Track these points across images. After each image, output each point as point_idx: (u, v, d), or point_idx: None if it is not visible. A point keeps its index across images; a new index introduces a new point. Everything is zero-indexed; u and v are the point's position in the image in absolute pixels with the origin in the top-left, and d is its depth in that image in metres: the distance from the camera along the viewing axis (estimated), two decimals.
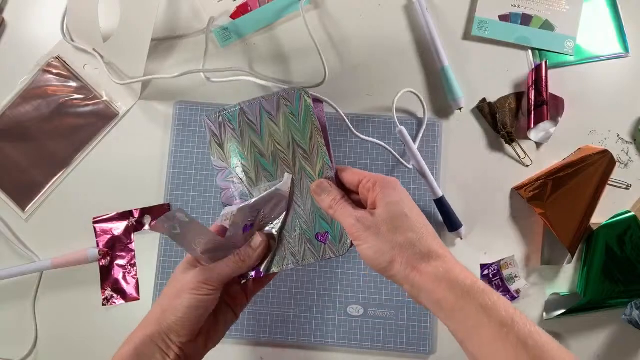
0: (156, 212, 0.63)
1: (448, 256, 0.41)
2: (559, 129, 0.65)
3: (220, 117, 0.49)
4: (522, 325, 0.37)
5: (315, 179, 0.47)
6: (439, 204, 0.62)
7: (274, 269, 0.47)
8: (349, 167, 0.47)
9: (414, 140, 0.63)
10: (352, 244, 0.44)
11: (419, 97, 0.64)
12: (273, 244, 0.48)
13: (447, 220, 0.62)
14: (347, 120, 0.59)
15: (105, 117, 0.66)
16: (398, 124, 0.62)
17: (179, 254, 0.62)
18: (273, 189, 0.47)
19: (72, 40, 0.67)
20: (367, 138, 0.61)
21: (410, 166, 0.63)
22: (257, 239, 0.46)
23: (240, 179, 0.49)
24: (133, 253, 0.63)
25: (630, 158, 0.65)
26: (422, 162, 0.62)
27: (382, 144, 0.62)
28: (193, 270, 0.45)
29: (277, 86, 0.66)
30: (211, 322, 0.46)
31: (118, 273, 0.63)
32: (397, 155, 0.62)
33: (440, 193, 0.62)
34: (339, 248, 0.46)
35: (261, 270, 0.47)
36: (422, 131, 0.64)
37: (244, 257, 0.45)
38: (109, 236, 0.63)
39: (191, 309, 0.43)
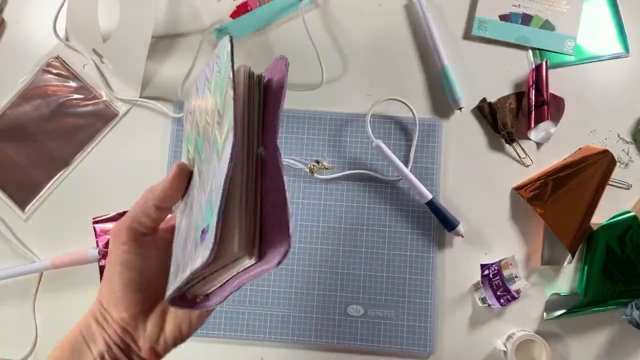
0: None
1: None
2: (560, 129, 0.64)
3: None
4: None
5: (220, 151, 0.32)
6: (430, 206, 0.62)
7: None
8: None
9: (411, 143, 0.64)
10: (213, 247, 0.29)
11: (404, 103, 0.64)
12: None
13: (443, 221, 0.62)
14: None
15: (105, 117, 0.66)
16: (373, 137, 0.62)
17: None
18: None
19: (67, 41, 0.67)
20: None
21: (393, 177, 0.63)
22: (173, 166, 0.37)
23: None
24: None
25: (630, 158, 0.65)
26: (406, 171, 0.62)
27: (364, 171, 0.63)
28: None
29: None
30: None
31: None
32: (378, 175, 0.63)
33: (429, 196, 0.61)
34: (204, 251, 0.29)
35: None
36: (415, 136, 0.64)
37: (151, 187, 0.37)
38: (109, 236, 0.63)
39: (116, 274, 0.36)
